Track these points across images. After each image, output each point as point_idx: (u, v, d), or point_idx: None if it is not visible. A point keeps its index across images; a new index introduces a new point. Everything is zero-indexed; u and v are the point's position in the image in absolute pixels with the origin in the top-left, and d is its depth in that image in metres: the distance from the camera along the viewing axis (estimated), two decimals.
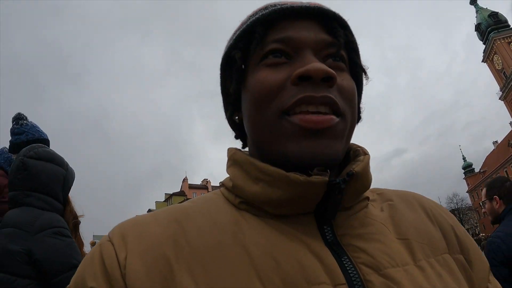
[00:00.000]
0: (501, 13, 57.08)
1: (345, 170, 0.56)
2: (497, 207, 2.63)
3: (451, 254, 0.59)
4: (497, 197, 2.63)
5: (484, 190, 2.78)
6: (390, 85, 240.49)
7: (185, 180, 58.86)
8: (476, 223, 79.39)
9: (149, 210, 53.91)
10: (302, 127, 0.51)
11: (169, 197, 55.18)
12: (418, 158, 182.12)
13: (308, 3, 0.58)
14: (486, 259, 0.62)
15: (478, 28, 58.80)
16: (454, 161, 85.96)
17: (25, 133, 2.29)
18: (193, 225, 0.52)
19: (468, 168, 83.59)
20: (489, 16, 56.71)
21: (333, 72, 0.52)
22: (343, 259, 0.51)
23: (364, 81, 0.66)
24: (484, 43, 57.72)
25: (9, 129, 2.35)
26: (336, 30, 0.57)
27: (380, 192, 0.69)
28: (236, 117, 0.65)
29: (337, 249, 0.52)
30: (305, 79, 0.52)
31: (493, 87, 56.75)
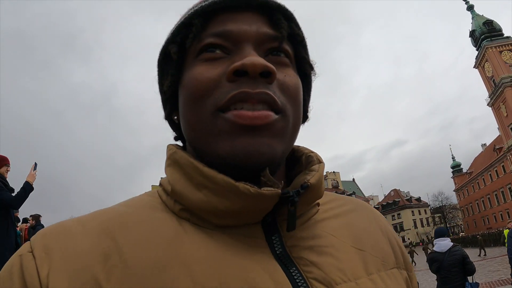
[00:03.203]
0: (496, 21, 58.44)
1: (297, 180, 0.55)
2: None
3: (398, 269, 0.60)
4: None
5: None
6: (396, 74, 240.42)
7: None
8: (460, 222, 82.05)
9: None
10: (236, 124, 0.47)
11: None
12: (417, 150, 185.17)
13: None
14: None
15: (472, 34, 60.21)
16: (450, 158, 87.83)
17: None
18: (128, 238, 0.47)
19: (456, 168, 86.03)
20: (484, 23, 58.08)
21: (272, 67, 0.49)
22: (293, 274, 0.48)
23: (313, 77, 0.62)
24: (477, 50, 59.24)
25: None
26: (279, 22, 0.54)
27: (335, 198, 0.67)
28: (175, 117, 0.61)
29: (287, 262, 0.50)
30: (241, 74, 0.49)
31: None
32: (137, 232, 0.48)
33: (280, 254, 0.50)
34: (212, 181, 0.48)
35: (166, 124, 0.60)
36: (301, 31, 0.59)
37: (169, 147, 0.59)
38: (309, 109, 0.64)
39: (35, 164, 4.61)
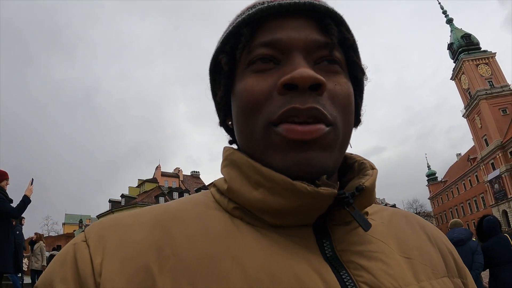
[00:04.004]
0: (474, 35, 60.07)
1: (351, 184, 0.55)
2: None
3: (450, 278, 0.58)
4: None
5: None
6: (375, 82, 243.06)
7: (158, 167, 59.92)
8: None
9: (122, 195, 55.90)
10: (287, 138, 0.48)
11: (141, 183, 56.69)
12: (395, 158, 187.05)
13: None
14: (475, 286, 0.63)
15: (450, 47, 61.72)
16: (426, 166, 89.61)
17: None
18: (181, 232, 0.48)
19: (431, 176, 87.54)
20: (462, 37, 59.59)
21: (322, 78, 0.48)
22: (343, 276, 0.48)
23: (365, 82, 0.62)
24: (454, 62, 60.79)
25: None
26: (329, 28, 0.53)
27: (380, 208, 0.66)
28: (230, 122, 0.62)
29: (337, 265, 0.49)
30: (291, 87, 0.49)
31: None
32: (190, 226, 0.49)
33: (330, 257, 0.50)
34: (269, 180, 0.49)
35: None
36: (352, 35, 0.58)
37: (226, 148, 0.60)
38: (362, 112, 0.64)
39: (32, 179, 5.33)
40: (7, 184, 5.01)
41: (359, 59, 0.59)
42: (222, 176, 0.59)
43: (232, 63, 0.56)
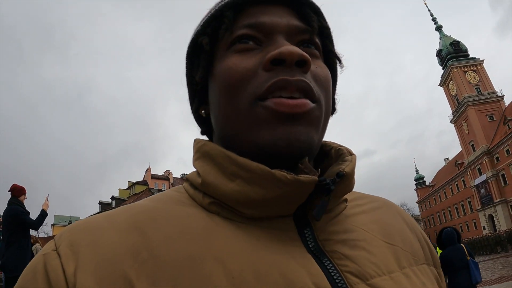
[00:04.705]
0: (463, 42, 61.12)
1: (331, 170, 0.54)
2: None
3: (428, 265, 0.59)
4: None
5: None
6: (367, 86, 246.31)
7: (148, 170, 59.72)
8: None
9: (113, 198, 55.59)
10: (276, 112, 0.47)
11: (132, 186, 56.61)
12: (385, 161, 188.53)
13: None
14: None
15: (439, 54, 62.78)
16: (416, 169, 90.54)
17: None
18: (157, 233, 0.46)
19: (419, 180, 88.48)
20: (450, 44, 60.64)
21: (308, 56, 0.49)
22: (328, 267, 0.47)
23: (339, 70, 0.63)
24: (443, 69, 61.77)
25: None
26: (309, 16, 0.55)
27: (360, 196, 0.66)
28: (203, 111, 0.61)
29: (320, 256, 0.48)
30: (278, 63, 0.49)
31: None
32: (166, 226, 0.47)
33: (313, 247, 0.49)
34: (246, 170, 0.48)
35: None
36: (328, 25, 0.60)
37: (197, 140, 0.59)
38: (336, 101, 0.64)
39: (48, 195, 6.01)
40: (25, 198, 5.50)
41: (334, 47, 0.61)
42: (194, 170, 0.57)
43: (213, 46, 0.56)
